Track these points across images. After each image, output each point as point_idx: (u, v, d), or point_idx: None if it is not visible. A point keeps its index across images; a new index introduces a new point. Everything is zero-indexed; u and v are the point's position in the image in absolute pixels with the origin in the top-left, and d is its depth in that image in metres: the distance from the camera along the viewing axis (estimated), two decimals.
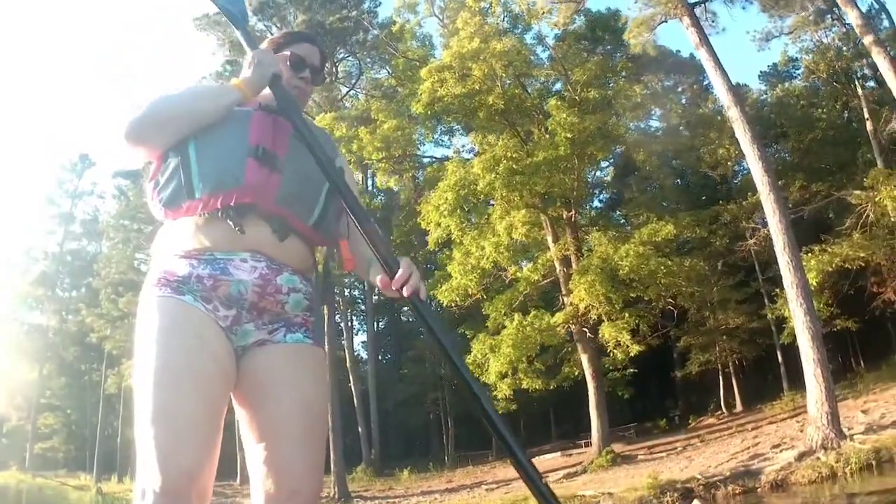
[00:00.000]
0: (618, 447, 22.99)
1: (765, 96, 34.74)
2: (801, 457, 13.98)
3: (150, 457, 1.61)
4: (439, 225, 22.09)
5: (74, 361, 45.60)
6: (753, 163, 16.54)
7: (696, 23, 18.29)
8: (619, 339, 19.45)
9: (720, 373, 29.10)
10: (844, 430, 14.93)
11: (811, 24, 29.70)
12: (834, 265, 19.94)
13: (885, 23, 31.00)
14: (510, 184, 19.84)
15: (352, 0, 28.38)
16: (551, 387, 23.52)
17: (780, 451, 15.66)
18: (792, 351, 25.28)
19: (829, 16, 29.72)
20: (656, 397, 34.76)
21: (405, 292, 1.77)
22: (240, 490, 30.18)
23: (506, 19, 24.84)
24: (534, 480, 1.61)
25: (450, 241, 23.64)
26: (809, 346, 14.65)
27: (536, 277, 22.76)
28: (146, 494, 1.60)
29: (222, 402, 1.80)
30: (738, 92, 18.30)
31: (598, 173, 30.57)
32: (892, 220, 20.71)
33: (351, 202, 1.86)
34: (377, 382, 32.81)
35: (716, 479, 15.10)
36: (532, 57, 23.86)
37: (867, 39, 18.57)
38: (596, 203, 35.10)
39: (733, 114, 17.01)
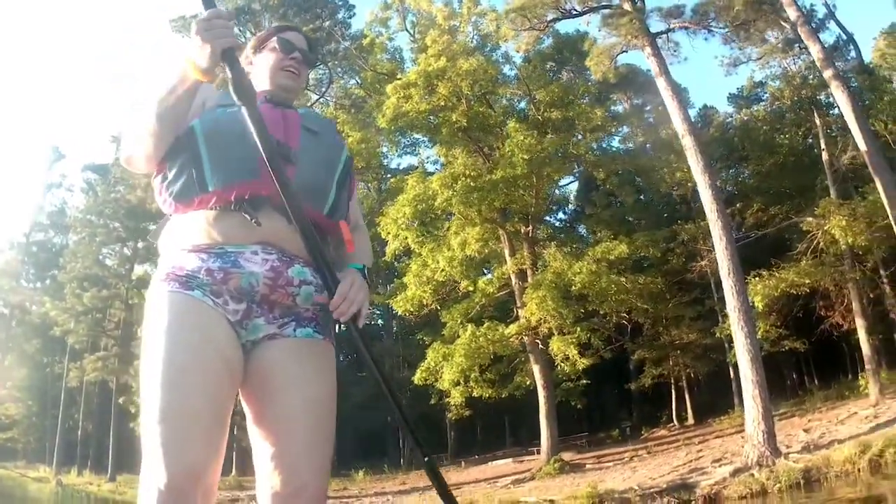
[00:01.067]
0: (568, 455, 23.44)
1: (731, 119, 35.45)
2: (736, 472, 14.66)
3: (156, 455, 1.65)
4: (397, 237, 22.62)
5: (36, 353, 45.56)
6: (704, 190, 17.34)
7: (657, 52, 19.00)
8: (566, 353, 20.05)
9: (673, 386, 29.76)
10: (784, 447, 15.61)
11: (779, 51, 30.23)
12: (779, 290, 20.63)
13: (853, 52, 32.09)
14: (468, 200, 20.41)
15: (326, 10, 28.91)
16: (503, 395, 24.09)
17: (720, 465, 16.18)
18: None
19: (797, 44, 30.47)
20: (612, 408, 35.40)
21: (336, 317, 1.91)
22: None
23: (475, 38, 25.39)
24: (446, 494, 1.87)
25: (410, 251, 24.17)
26: (749, 368, 15.43)
27: (492, 290, 23.46)
28: (151, 492, 1.64)
29: (228, 400, 1.82)
30: (692, 122, 19.03)
31: (561, 189, 31.33)
32: (842, 247, 21.54)
33: (297, 211, 1.85)
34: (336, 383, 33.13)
35: (652, 490, 15.68)
36: (499, 75, 24.37)
37: (827, 73, 19.35)
38: (561, 216, 35.92)
39: (687, 142, 17.72)
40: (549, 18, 19.89)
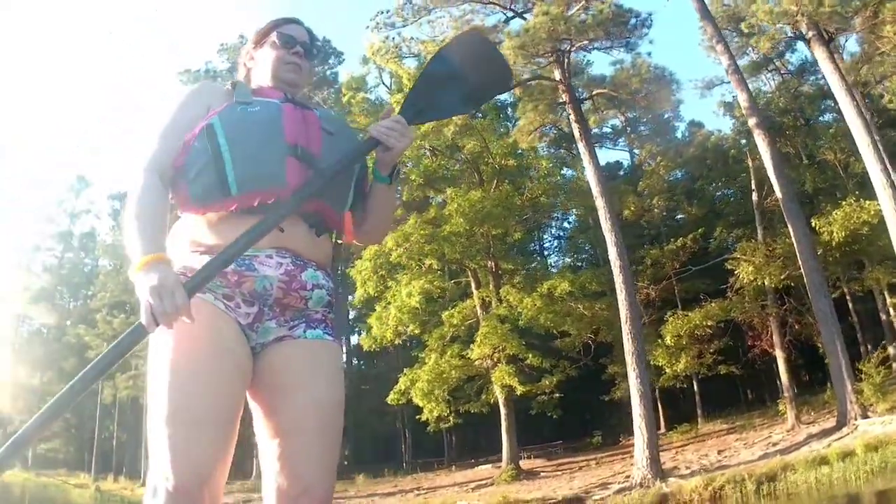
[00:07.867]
0: (537, 462, 27.54)
1: (711, 136, 38.22)
2: (621, 490, 17.55)
3: (164, 456, 1.73)
4: (363, 285, 27.19)
5: (73, 371, 48.52)
6: (610, 247, 20.22)
7: (580, 119, 21.89)
8: (505, 382, 24.30)
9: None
10: (684, 468, 19.14)
11: (754, 70, 32.03)
12: (684, 330, 24.57)
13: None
14: (422, 252, 24.71)
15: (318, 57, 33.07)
16: (473, 411, 28.66)
17: (624, 482, 18.60)
18: (707, 384, 30.33)
19: (768, 65, 33.08)
20: (598, 414, 38.03)
21: (380, 126, 2.19)
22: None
23: None
24: None
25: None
26: (638, 404, 18.37)
27: (455, 321, 27.49)
28: (158, 493, 1.71)
29: (238, 402, 1.91)
30: (605, 184, 21.88)
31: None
32: (766, 284, 24.82)
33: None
34: (351, 387, 36.45)
35: (551, 501, 18.91)
36: (459, 129, 27.33)
37: (751, 121, 22.16)
38: (566, 225, 40.73)
39: (599, 204, 20.73)
40: None
